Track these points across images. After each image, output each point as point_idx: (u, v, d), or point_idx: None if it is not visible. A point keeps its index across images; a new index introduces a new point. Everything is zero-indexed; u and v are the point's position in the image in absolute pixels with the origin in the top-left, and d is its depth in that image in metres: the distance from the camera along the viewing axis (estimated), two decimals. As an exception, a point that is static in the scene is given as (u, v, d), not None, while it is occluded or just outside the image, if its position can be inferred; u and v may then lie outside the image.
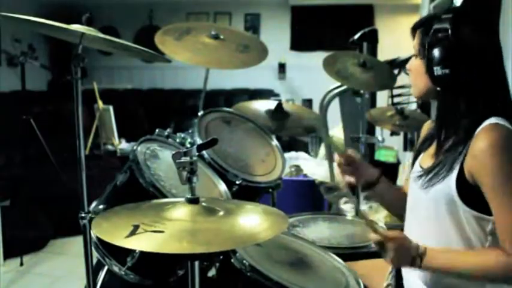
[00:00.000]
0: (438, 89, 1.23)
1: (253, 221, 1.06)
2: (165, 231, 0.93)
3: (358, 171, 1.49)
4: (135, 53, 1.66)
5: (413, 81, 1.31)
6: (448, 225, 1.21)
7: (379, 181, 1.50)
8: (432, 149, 1.32)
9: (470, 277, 1.18)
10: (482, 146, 1.13)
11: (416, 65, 1.28)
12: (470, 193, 1.16)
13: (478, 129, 1.16)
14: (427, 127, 1.45)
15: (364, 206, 2.96)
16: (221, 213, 1.04)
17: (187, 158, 1.03)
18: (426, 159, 1.32)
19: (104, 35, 1.44)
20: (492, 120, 1.16)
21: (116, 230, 0.95)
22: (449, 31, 1.17)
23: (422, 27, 1.26)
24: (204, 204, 1.04)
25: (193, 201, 1.04)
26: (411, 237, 1.26)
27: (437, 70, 1.18)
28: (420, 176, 1.28)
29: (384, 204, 1.61)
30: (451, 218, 1.20)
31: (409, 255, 1.20)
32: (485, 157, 1.12)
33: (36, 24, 1.36)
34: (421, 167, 1.32)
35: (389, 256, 1.22)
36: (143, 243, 0.91)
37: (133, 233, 0.92)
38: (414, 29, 1.29)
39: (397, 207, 1.50)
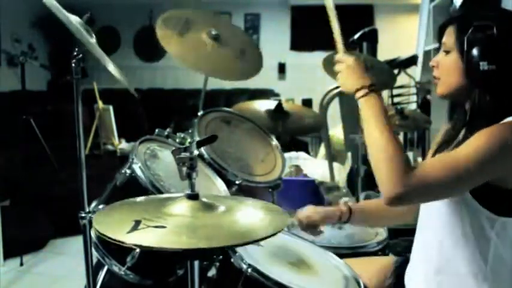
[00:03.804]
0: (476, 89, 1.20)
1: (254, 217, 1.06)
2: (167, 226, 0.94)
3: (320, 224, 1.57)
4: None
5: (442, 78, 1.28)
6: (452, 220, 1.21)
7: (350, 217, 1.54)
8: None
9: (374, 141, 1.17)
10: (485, 129, 1.12)
11: (448, 61, 1.25)
12: (481, 190, 1.15)
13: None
14: (444, 129, 1.42)
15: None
16: (221, 209, 1.04)
17: (187, 154, 1.03)
18: None
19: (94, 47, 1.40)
20: (510, 118, 1.15)
21: (118, 226, 0.95)
22: (495, 28, 1.15)
23: (457, 23, 1.24)
24: (204, 200, 1.05)
25: (193, 197, 1.04)
26: (421, 230, 1.28)
27: (483, 65, 1.15)
28: None
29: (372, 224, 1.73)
30: (456, 213, 1.20)
31: (358, 83, 1.25)
32: (479, 134, 1.12)
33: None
34: None
35: (340, 74, 1.30)
36: (145, 238, 0.91)
37: (135, 228, 0.92)
38: (444, 26, 1.28)
39: (385, 221, 1.60)
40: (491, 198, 1.15)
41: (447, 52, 1.26)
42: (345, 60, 1.32)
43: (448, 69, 1.26)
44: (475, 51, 1.17)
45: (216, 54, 2.08)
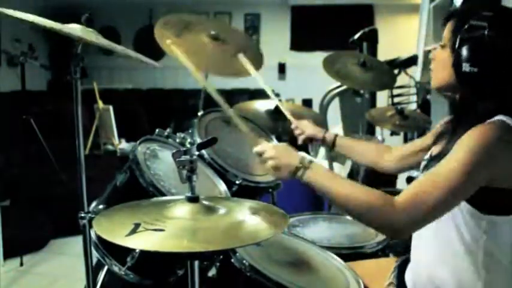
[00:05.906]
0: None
1: (254, 219, 1.06)
2: (166, 229, 0.93)
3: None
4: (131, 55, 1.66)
5: (435, 72, 1.28)
6: (443, 220, 1.21)
7: (333, 147, 1.79)
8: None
9: (343, 203, 1.14)
10: (468, 133, 1.11)
11: (442, 56, 1.24)
12: None
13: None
14: (444, 122, 1.42)
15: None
16: (221, 211, 1.04)
17: (187, 157, 1.03)
18: (437, 150, 1.32)
19: (101, 40, 1.42)
20: (499, 117, 1.14)
21: (117, 229, 0.95)
22: (486, 30, 1.12)
23: (456, 18, 1.22)
24: (204, 202, 1.05)
25: (193, 199, 1.04)
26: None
27: (466, 67, 1.14)
28: (425, 163, 1.30)
29: (353, 158, 1.83)
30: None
31: (292, 164, 1.22)
32: (462, 141, 1.10)
33: (35, 24, 1.35)
34: (430, 155, 1.33)
35: (269, 165, 1.26)
36: (143, 241, 0.91)
37: (134, 231, 0.92)
38: (447, 18, 1.25)
39: (367, 157, 1.74)
40: (476, 195, 1.12)
41: (443, 46, 1.25)
42: (268, 149, 1.28)
43: (440, 64, 1.26)
44: (462, 51, 1.15)
45: (216, 52, 2.08)
